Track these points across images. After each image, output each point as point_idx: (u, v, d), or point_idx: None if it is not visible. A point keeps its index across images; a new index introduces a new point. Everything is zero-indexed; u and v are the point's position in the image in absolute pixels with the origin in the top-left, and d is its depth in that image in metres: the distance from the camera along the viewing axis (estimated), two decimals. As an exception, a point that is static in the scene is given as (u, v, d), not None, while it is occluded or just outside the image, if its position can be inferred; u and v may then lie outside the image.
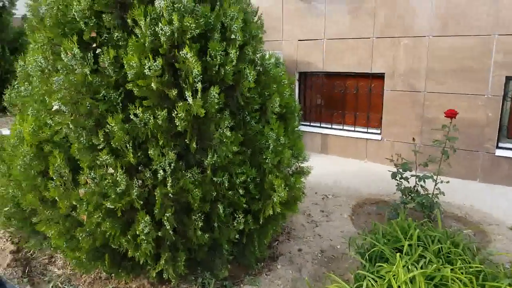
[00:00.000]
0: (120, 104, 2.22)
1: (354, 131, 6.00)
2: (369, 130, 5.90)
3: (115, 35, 2.26)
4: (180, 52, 2.14)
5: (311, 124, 6.41)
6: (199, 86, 2.15)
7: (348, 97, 6.05)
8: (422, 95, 5.24)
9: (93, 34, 2.25)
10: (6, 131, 4.93)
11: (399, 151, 5.08)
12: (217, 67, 2.25)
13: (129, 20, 2.23)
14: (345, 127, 6.12)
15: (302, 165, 3.01)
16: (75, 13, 2.20)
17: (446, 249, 2.73)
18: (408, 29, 5.20)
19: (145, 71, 2.10)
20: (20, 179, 2.48)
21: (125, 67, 2.18)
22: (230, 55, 2.27)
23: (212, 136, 2.30)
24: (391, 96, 5.51)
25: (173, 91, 2.15)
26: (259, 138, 2.54)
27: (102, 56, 2.20)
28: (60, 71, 2.15)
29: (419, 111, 5.30)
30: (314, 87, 6.38)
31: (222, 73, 2.27)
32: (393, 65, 5.40)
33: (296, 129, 3.03)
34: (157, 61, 2.08)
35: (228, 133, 2.29)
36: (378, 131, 5.80)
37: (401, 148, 5.42)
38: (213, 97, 2.19)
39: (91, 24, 2.24)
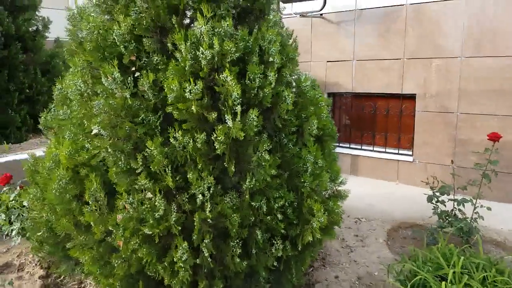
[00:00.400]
0: (159, 127, 2.20)
1: (385, 152, 5.87)
2: (401, 151, 5.77)
3: (155, 59, 2.25)
4: (220, 76, 2.11)
5: (340, 144, 6.32)
6: (238, 109, 2.11)
7: (378, 118, 5.95)
8: (455, 116, 5.11)
9: (133, 58, 2.25)
10: (39, 152, 4.97)
11: (432, 173, 4.94)
12: (255, 89, 2.21)
13: (169, 44, 2.23)
14: (375, 148, 6.00)
15: (338, 188, 2.92)
16: (115, 37, 2.21)
17: (491, 277, 2.58)
18: (440, 49, 5.11)
19: (185, 94, 2.07)
20: (54, 203, 2.47)
21: (165, 90, 2.17)
22: (269, 77, 2.24)
23: (250, 159, 2.25)
24: (423, 117, 5.39)
25: (212, 114, 2.11)
26: (296, 161, 2.48)
27: (141, 79, 2.19)
28: (100, 95, 2.15)
29: (452, 132, 5.16)
30: (343, 108, 6.31)
31: (261, 95, 2.23)
32: (425, 86, 5.29)
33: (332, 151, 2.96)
34: (198, 85, 2.06)
35: (267, 156, 2.23)
36: (410, 153, 5.66)
37: (434, 170, 5.26)
38: (252, 119, 2.15)
39: (131, 48, 2.24)
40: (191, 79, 2.06)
